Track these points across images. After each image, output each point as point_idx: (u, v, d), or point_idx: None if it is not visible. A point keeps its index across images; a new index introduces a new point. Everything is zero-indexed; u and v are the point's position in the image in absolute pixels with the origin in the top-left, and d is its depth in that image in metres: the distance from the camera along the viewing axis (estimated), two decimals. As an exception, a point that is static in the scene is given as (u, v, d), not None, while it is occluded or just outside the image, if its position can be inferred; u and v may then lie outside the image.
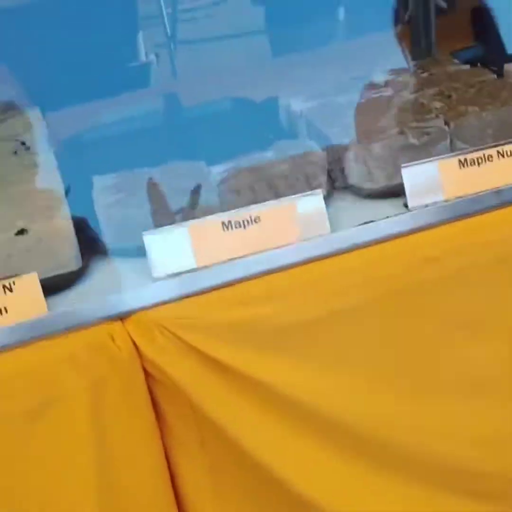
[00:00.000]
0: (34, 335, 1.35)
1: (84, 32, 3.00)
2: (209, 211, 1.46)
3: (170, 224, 1.44)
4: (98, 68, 2.99)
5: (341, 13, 3.58)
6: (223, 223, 1.43)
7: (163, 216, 1.53)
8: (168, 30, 4.26)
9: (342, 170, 1.59)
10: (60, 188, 1.56)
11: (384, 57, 2.03)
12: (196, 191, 1.57)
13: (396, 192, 1.54)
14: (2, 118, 1.86)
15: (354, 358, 1.49)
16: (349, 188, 1.59)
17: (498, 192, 1.50)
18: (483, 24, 2.21)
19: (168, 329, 1.39)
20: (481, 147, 1.52)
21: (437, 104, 1.66)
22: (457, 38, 2.22)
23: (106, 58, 3.24)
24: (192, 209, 1.54)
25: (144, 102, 2.24)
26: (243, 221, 1.44)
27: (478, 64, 1.93)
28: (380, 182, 1.57)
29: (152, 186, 1.56)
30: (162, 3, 4.14)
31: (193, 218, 1.45)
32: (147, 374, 1.42)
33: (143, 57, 3.67)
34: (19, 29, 2.51)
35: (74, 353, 1.36)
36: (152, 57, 3.72)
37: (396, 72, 1.89)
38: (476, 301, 1.53)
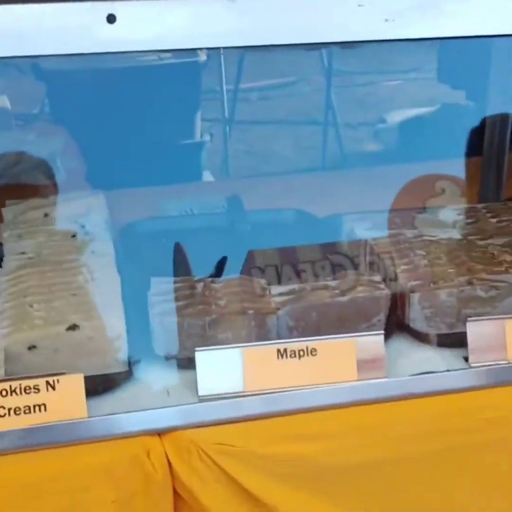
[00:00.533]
0: (70, 438, 1.31)
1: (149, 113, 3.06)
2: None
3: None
4: (159, 150, 3.03)
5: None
6: (278, 350, 1.39)
7: (186, 283, 1.54)
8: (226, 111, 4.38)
9: (404, 311, 1.55)
10: (116, 284, 1.53)
11: (450, 193, 2.02)
12: (222, 263, 1.56)
13: (456, 342, 1.50)
14: (65, 199, 1.85)
15: (392, 510, 1.43)
16: (408, 330, 1.55)
17: None
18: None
19: (206, 453, 1.33)
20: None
21: (508, 257, 1.63)
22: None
23: (166, 139, 3.29)
24: (212, 281, 1.55)
25: (206, 195, 2.25)
26: (299, 351, 1.39)
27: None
28: (442, 329, 1.53)
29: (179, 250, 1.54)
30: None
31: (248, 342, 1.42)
32: (176, 494, 1.36)
33: (203, 138, 3.74)
34: (88, 114, 2.56)
35: (107, 463, 1.31)
36: (207, 138, 3.79)
37: (465, 211, 1.87)
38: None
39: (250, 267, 1.69)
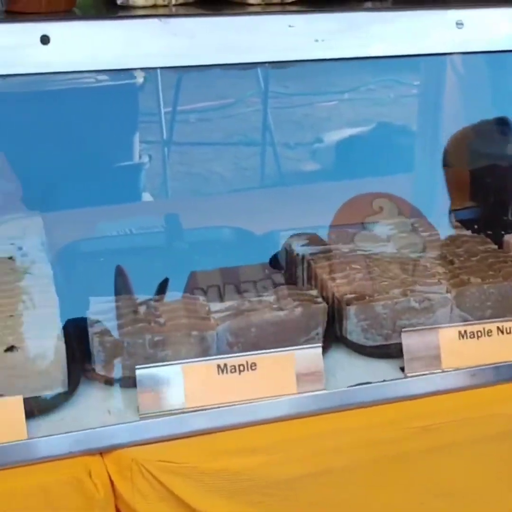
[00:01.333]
0: (10, 460, 1.29)
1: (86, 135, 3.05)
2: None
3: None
4: (97, 172, 3.02)
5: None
6: (218, 366, 1.40)
7: (126, 302, 1.54)
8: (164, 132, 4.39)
9: (341, 324, 1.58)
10: (54, 305, 1.53)
11: (388, 210, 2.06)
12: (164, 284, 1.55)
13: (393, 353, 1.54)
14: (1, 221, 1.84)
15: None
16: (346, 343, 1.58)
17: (496, 368, 1.50)
18: (483, 186, 2.27)
19: (148, 470, 1.33)
20: (482, 321, 1.53)
21: (440, 269, 1.68)
22: (459, 195, 2.28)
23: (104, 160, 3.29)
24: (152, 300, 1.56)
25: (144, 216, 2.25)
26: (239, 366, 1.41)
27: (476, 226, 1.98)
28: (378, 341, 1.57)
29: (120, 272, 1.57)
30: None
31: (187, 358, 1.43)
32: (118, 513, 1.35)
33: (141, 159, 3.75)
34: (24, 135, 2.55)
35: (47, 485, 1.30)
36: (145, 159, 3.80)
37: (398, 226, 1.91)
38: (460, 475, 1.51)
39: (192, 288, 1.70)
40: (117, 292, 1.64)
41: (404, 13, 1.50)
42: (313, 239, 1.84)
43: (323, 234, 1.94)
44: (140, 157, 3.77)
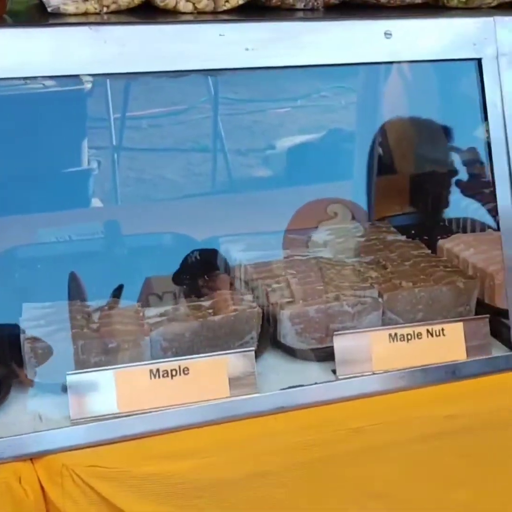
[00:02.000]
0: None
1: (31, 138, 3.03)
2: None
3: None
4: (41, 178, 3.00)
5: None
6: (151, 371, 1.41)
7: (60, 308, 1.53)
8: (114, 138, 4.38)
9: (275, 327, 1.61)
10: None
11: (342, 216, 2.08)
12: (118, 291, 1.55)
13: (326, 356, 1.56)
14: None
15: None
16: (280, 346, 1.60)
17: (424, 370, 1.53)
18: (421, 192, 2.31)
19: (79, 476, 1.33)
20: (412, 324, 1.56)
21: (373, 274, 1.71)
22: (396, 202, 2.32)
23: (50, 166, 3.27)
24: (110, 309, 1.55)
25: (90, 222, 2.25)
26: (171, 371, 1.42)
27: (413, 232, 2.02)
28: (312, 344, 1.59)
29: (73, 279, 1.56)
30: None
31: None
32: (50, 520, 1.35)
33: (86, 164, 3.73)
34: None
35: (-24, 492, 1.29)
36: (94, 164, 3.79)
37: (335, 232, 1.95)
38: (393, 475, 1.54)
39: (147, 294, 1.71)
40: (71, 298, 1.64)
41: (335, 23, 1.53)
42: (251, 244, 1.86)
43: (273, 239, 1.96)
44: (89, 163, 3.76)
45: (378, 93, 2.42)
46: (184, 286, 1.76)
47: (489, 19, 1.60)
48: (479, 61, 1.59)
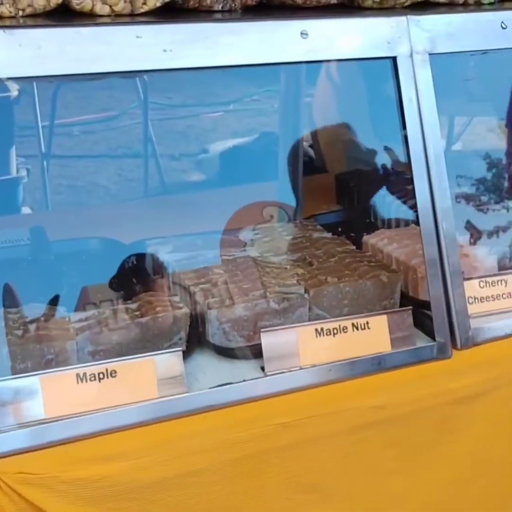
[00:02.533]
0: None
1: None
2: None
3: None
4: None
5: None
6: (77, 375, 1.40)
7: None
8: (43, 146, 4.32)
9: (204, 327, 1.61)
10: None
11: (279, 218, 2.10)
12: (53, 302, 1.54)
13: (255, 353, 1.58)
14: None
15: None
16: (209, 346, 1.61)
17: (351, 363, 1.56)
18: (347, 190, 2.35)
19: (7, 483, 1.32)
20: (337, 319, 1.59)
21: (299, 271, 1.73)
22: (323, 200, 2.35)
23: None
24: (46, 320, 1.53)
25: (19, 229, 2.22)
26: (99, 374, 1.41)
27: (340, 229, 2.05)
28: (240, 342, 1.61)
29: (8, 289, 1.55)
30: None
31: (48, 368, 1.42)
32: (-21, 530, 1.33)
33: (14, 173, 3.69)
34: None
35: None
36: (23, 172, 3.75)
37: (263, 231, 1.97)
38: (325, 468, 1.56)
39: (84, 303, 1.69)
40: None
41: (251, 24, 1.55)
42: (179, 246, 1.87)
43: (202, 241, 1.96)
44: (17, 171, 3.71)
45: (301, 95, 2.45)
46: (121, 292, 1.76)
47: (402, 18, 1.64)
48: (394, 59, 1.64)
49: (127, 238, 2.09)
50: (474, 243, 1.98)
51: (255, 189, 2.60)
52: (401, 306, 1.72)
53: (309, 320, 1.65)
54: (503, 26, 1.76)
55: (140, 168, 4.92)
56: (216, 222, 2.06)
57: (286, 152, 2.49)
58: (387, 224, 2.13)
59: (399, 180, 2.16)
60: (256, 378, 1.52)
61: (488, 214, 2.20)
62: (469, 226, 2.07)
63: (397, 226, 2.09)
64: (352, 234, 2.03)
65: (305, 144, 2.89)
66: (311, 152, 3.08)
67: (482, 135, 2.90)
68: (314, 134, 3.13)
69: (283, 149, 2.53)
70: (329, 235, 1.95)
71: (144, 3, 1.51)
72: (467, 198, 2.31)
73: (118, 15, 1.49)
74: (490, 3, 1.85)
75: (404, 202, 2.08)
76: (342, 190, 2.37)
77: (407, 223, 2.05)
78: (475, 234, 2.03)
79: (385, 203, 2.20)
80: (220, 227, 2.03)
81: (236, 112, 6.04)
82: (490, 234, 2.03)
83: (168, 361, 1.46)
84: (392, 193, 2.20)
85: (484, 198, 2.31)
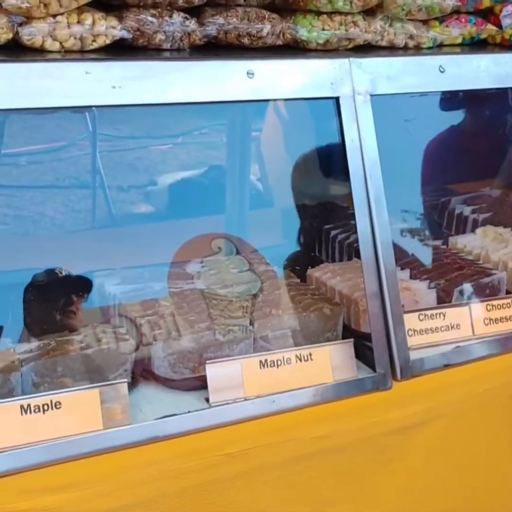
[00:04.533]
0: None
1: None
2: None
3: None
4: None
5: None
6: (21, 406, 1.40)
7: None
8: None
9: (149, 359, 1.63)
10: None
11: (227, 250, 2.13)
12: None
13: (200, 385, 1.59)
14: None
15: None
16: (155, 377, 1.62)
17: (294, 394, 1.59)
18: (293, 224, 2.40)
19: None
20: (281, 350, 1.62)
21: (244, 303, 1.76)
22: (269, 233, 2.39)
23: None
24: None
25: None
26: (43, 406, 1.42)
27: (285, 262, 2.10)
28: (185, 374, 1.62)
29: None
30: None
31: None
32: None
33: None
34: None
35: None
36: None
37: (210, 263, 1.99)
38: (270, 498, 1.58)
39: (29, 334, 1.68)
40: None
41: (199, 63, 1.59)
42: (127, 278, 1.88)
43: (149, 273, 1.98)
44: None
45: (248, 129, 2.51)
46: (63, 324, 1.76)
47: (345, 61, 1.71)
48: (337, 99, 1.70)
49: (74, 269, 2.10)
50: (415, 277, 2.04)
51: (203, 221, 2.64)
52: (343, 338, 1.77)
53: (254, 352, 1.68)
54: (441, 69, 1.85)
55: (88, 199, 4.92)
56: (163, 254, 2.08)
57: (234, 185, 2.54)
58: (331, 257, 2.19)
59: (343, 214, 2.22)
60: (201, 409, 1.54)
61: (431, 248, 2.27)
62: (412, 260, 2.14)
63: (341, 259, 2.14)
64: (297, 267, 2.07)
65: (253, 177, 2.95)
66: (258, 185, 3.13)
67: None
68: (262, 168, 3.19)
69: (231, 182, 2.57)
70: (274, 268, 1.98)
71: (94, 40, 1.54)
72: (412, 232, 2.39)
73: (68, 51, 1.52)
74: (429, 48, 1.93)
75: (348, 237, 2.14)
76: (288, 223, 2.41)
77: (350, 257, 2.11)
78: (417, 267, 2.09)
79: (330, 237, 2.25)
80: (167, 259, 2.05)
81: (185, 145, 6.09)
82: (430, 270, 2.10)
83: (113, 392, 1.47)
84: (336, 227, 2.25)
85: (428, 233, 2.39)
